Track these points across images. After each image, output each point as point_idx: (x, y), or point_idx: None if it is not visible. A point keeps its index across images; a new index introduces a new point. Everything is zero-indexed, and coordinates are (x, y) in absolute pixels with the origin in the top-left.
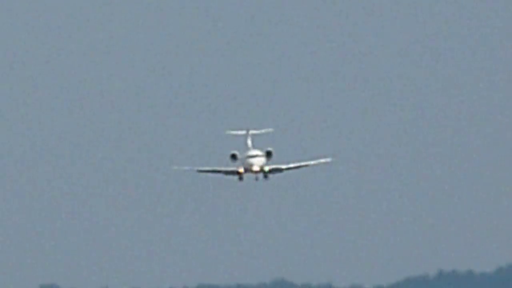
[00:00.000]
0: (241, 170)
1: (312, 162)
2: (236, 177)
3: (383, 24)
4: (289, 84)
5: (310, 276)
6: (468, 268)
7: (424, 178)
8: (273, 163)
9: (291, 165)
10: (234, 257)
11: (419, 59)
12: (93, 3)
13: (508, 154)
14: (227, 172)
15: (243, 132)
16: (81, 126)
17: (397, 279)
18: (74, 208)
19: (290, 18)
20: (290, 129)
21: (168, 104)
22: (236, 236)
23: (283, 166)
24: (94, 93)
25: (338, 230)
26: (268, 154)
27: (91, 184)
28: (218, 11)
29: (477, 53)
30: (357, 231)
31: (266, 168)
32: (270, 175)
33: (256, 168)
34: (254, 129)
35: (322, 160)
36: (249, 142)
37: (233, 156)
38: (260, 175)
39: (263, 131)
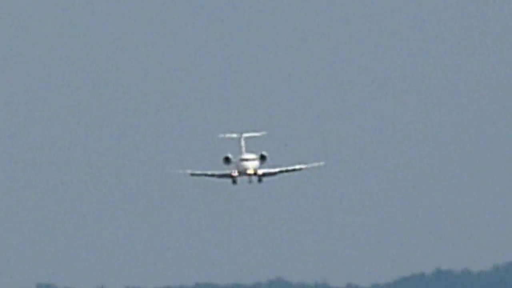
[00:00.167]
0: (235, 173)
1: (305, 166)
2: (229, 181)
3: (375, 30)
4: (282, 88)
5: (306, 275)
6: (465, 267)
7: (420, 177)
8: (267, 167)
9: (285, 169)
10: (231, 256)
11: (412, 65)
12: (79, 8)
13: (504, 154)
14: (221, 176)
15: (236, 135)
16: (76, 130)
17: (394, 278)
18: (70, 209)
19: (282, 23)
20: (284, 132)
21: (162, 108)
22: (232, 236)
23: (277, 170)
24: (88, 97)
25: (334, 229)
26: (262, 158)
27: (86, 187)
28: (209, 16)
29: (466, 58)
30: (353, 230)
31: (260, 172)
32: (264, 179)
33: (250, 171)
34: (248, 132)
35: (316, 164)
36: (243, 145)
37: (227, 160)
38: (254, 179)
39: (256, 134)
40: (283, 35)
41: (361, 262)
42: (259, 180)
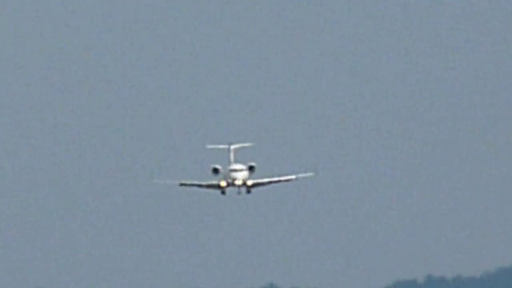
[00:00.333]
0: (224, 184)
1: (294, 176)
2: (218, 191)
3: (364, 39)
4: (271, 99)
5: (298, 281)
6: (456, 273)
7: (411, 185)
8: (255, 178)
9: (274, 179)
10: (222, 263)
11: (404, 71)
12: (69, 9)
13: (495, 161)
14: (209, 186)
15: (225, 146)
16: (65, 140)
17: (386, 284)
18: (63, 218)
19: (271, 33)
20: (273, 143)
21: (151, 119)
22: (223, 243)
23: (266, 180)
24: (77, 108)
25: (326, 236)
26: (251, 169)
27: (78, 196)
28: (196, 27)
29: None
30: (345, 237)
31: (249, 182)
32: (253, 189)
33: (238, 182)
34: (236, 143)
35: (304, 174)
36: (232, 156)
37: (215, 170)
38: (243, 189)
39: (244, 145)
40: (272, 47)
41: (352, 269)
42: (248, 191)
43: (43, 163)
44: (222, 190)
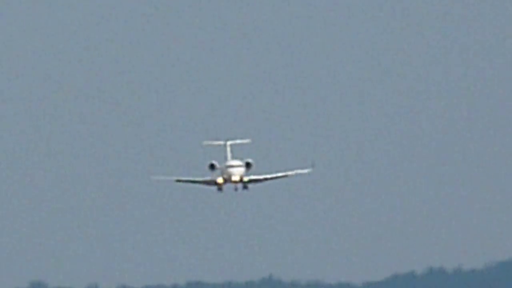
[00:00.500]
0: (220, 180)
1: (291, 173)
2: (214, 188)
3: (361, 35)
4: (267, 95)
5: (298, 273)
6: (457, 265)
7: (411, 176)
8: (252, 174)
9: (271, 176)
10: (223, 255)
11: (402, 65)
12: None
13: (496, 154)
14: (206, 182)
15: (221, 142)
16: (64, 137)
17: (386, 276)
18: (63, 211)
19: (267, 32)
20: (270, 139)
21: (147, 115)
22: (224, 235)
23: (262, 177)
24: (74, 106)
25: (326, 228)
26: (248, 165)
27: (78, 191)
28: (195, 25)
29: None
30: (345, 229)
31: (246, 179)
32: (250, 185)
33: (235, 178)
34: (233, 139)
35: (302, 171)
36: (228, 152)
37: (212, 166)
38: (239, 186)
39: (241, 141)
40: (268, 43)
41: (353, 261)
42: (245, 187)
43: (41, 160)
44: (219, 187)
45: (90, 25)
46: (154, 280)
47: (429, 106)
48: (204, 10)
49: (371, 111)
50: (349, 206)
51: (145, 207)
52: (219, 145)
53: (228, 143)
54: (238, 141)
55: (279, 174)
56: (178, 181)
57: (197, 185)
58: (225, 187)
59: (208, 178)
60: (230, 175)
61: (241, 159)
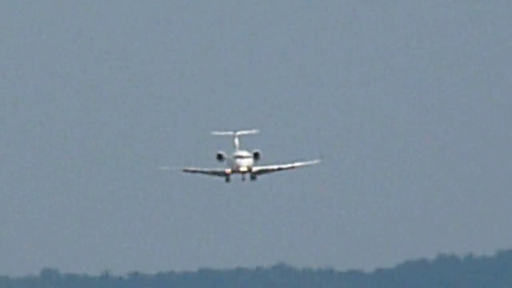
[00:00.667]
0: (228, 171)
1: (300, 164)
2: (222, 178)
3: (369, 28)
4: (276, 85)
5: (309, 260)
6: (468, 252)
7: (421, 163)
8: (261, 165)
9: (279, 167)
10: (233, 242)
11: (407, 61)
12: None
13: (504, 141)
14: (214, 173)
15: (230, 133)
16: (70, 127)
17: (397, 263)
18: (74, 200)
19: (275, 21)
20: (279, 130)
21: (155, 105)
22: (235, 223)
23: (271, 167)
24: (82, 96)
25: (337, 217)
26: (256, 156)
27: (86, 180)
28: (201, 15)
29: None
30: (356, 217)
31: (254, 169)
32: (258, 176)
33: (243, 169)
34: (241, 130)
35: (311, 162)
36: (237, 143)
37: (219, 157)
38: (248, 176)
39: (250, 132)
40: (276, 33)
41: (364, 248)
42: (253, 178)
43: (52, 149)
44: (227, 177)
45: (95, 18)
46: (165, 268)
47: (444, 93)
48: (213, 1)
49: (381, 101)
50: (360, 194)
51: (156, 196)
52: (228, 136)
53: (237, 133)
54: (246, 132)
55: (288, 165)
56: (186, 171)
57: (205, 175)
58: (232, 177)
59: (216, 168)
60: (238, 166)
61: (249, 149)
